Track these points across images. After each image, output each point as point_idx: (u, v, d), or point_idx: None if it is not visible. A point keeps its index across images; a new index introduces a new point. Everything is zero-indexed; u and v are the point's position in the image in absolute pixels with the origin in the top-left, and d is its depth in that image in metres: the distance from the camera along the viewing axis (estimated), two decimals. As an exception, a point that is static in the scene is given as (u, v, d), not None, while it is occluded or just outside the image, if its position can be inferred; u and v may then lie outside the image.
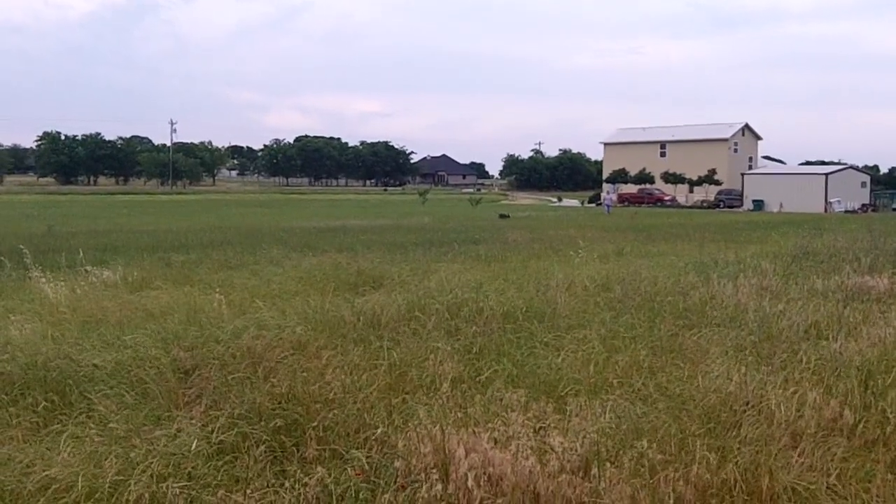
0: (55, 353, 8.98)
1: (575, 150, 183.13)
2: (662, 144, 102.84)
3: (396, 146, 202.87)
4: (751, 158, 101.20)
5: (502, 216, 31.95)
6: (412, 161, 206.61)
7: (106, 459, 5.46)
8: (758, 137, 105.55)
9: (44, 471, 5.28)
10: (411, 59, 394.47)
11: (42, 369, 8.26)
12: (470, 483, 5.50)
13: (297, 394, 7.31)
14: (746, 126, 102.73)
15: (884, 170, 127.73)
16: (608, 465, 5.85)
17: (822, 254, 20.94)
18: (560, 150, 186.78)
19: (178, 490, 5.02)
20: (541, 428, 6.57)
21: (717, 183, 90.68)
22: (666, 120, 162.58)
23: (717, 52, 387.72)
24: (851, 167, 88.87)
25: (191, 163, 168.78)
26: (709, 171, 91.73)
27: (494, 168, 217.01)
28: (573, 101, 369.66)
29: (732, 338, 9.87)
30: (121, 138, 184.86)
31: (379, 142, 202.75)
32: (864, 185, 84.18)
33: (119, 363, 8.55)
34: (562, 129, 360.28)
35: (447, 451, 5.98)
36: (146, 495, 4.91)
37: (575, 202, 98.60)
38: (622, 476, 5.64)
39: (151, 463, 5.37)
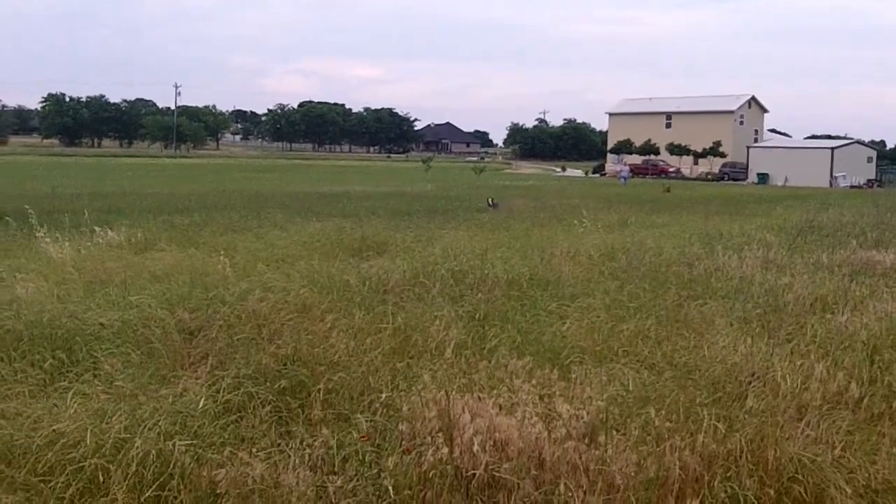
0: (61, 311, 8.98)
1: (580, 120, 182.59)
2: (668, 115, 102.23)
3: (400, 113, 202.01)
4: (756, 131, 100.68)
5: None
6: (416, 128, 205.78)
7: (113, 416, 5.46)
8: (764, 110, 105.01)
9: (52, 426, 5.28)
10: (415, 26, 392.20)
11: (48, 327, 8.26)
12: (475, 448, 5.50)
13: (302, 356, 7.32)
14: (753, 99, 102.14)
15: (890, 145, 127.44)
16: (614, 432, 5.85)
17: (828, 228, 20.90)
18: (565, 119, 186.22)
19: (184, 448, 5.02)
20: (546, 395, 6.56)
21: (722, 155, 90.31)
22: (671, 91, 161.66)
23: (723, 22, 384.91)
24: (858, 142, 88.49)
25: (195, 127, 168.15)
26: (714, 143, 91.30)
27: (499, 137, 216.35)
28: (578, 71, 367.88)
29: (738, 309, 9.86)
30: (125, 101, 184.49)
31: (383, 108, 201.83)
32: (870, 160, 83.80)
33: (125, 323, 8.55)
34: (567, 99, 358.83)
35: (452, 416, 5.98)
36: (153, 452, 4.92)
37: (579, 172, 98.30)
38: (629, 443, 5.64)
39: (158, 420, 5.37)
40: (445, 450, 5.43)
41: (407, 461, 5.22)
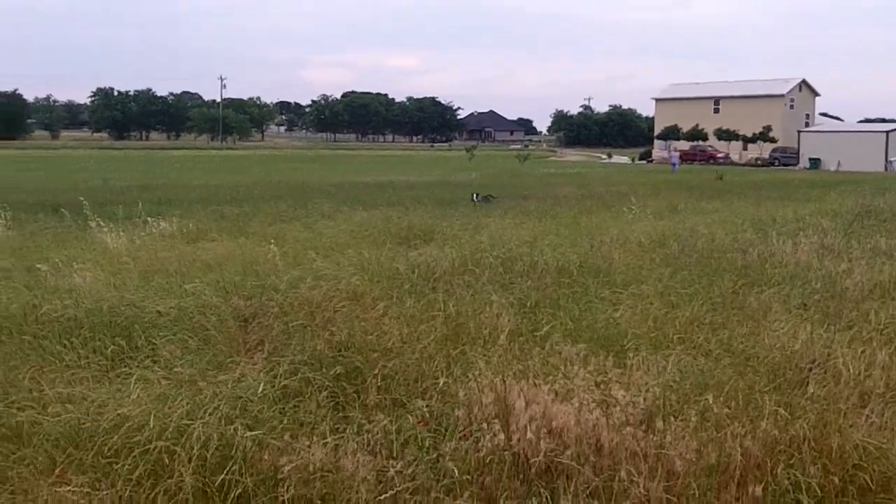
0: (119, 299, 9.14)
1: (625, 106, 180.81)
2: (716, 100, 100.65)
3: (443, 102, 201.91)
4: (807, 115, 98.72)
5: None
6: (459, 117, 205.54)
7: (174, 401, 5.54)
8: (815, 94, 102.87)
9: (116, 410, 5.38)
10: (458, 14, 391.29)
11: (108, 315, 8.41)
12: (531, 434, 5.49)
13: (355, 342, 7.36)
14: (803, 82, 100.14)
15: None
16: (672, 418, 5.79)
17: (885, 213, 20.47)
18: (610, 106, 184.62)
19: (245, 432, 5.07)
20: (602, 381, 6.52)
21: (772, 140, 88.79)
22: (719, 76, 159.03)
23: (772, 5, 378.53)
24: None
25: (240, 119, 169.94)
26: (763, 127, 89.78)
27: (542, 124, 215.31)
28: (624, 57, 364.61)
29: (795, 296, 9.71)
30: (172, 94, 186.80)
31: (426, 98, 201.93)
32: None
33: (181, 310, 8.67)
34: (612, 85, 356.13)
35: (507, 403, 5.97)
36: (214, 436, 4.98)
37: (625, 159, 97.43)
38: (687, 430, 5.59)
39: (219, 405, 5.43)
40: (503, 436, 5.43)
41: (465, 447, 5.22)
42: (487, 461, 5.17)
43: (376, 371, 6.48)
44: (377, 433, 5.32)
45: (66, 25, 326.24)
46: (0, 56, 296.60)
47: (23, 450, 5.26)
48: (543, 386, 6.26)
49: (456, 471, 4.83)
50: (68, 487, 4.70)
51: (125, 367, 6.87)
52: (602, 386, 6.42)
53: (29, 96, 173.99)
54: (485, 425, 5.52)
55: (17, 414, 5.68)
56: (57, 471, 4.95)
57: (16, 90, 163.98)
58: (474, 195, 26.45)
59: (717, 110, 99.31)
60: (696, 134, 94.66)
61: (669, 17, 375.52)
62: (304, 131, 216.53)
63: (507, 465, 5.21)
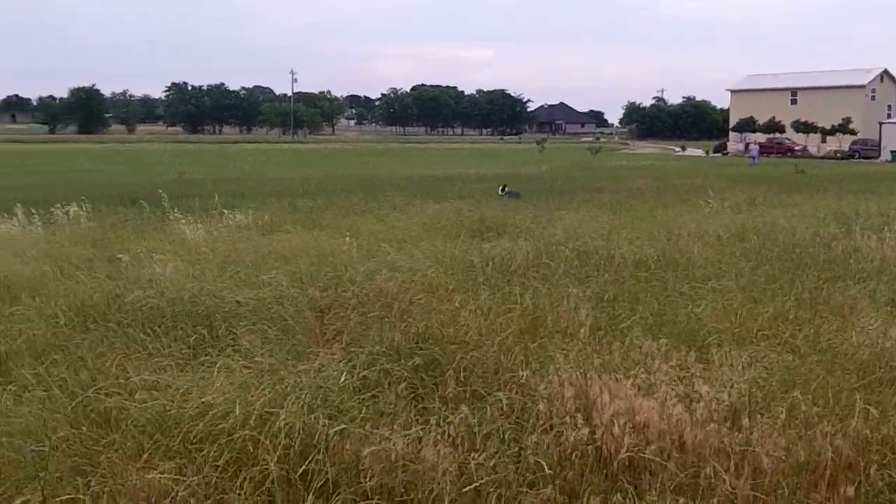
0: (198, 289, 9.29)
1: (699, 98, 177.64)
2: (793, 91, 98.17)
3: (513, 94, 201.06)
4: (889, 107, 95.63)
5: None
6: (529, 110, 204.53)
7: (257, 390, 5.60)
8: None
9: (200, 398, 5.45)
10: (528, 6, 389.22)
11: (189, 304, 8.56)
12: (616, 429, 5.41)
13: (432, 334, 7.35)
14: (885, 72, 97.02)
15: None
16: (759, 415, 5.66)
17: (974, 207, 19.72)
18: (683, 97, 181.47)
19: (326, 421, 5.10)
20: (685, 377, 6.40)
21: (852, 132, 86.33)
22: (794, 67, 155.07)
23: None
24: None
25: (311, 112, 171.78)
26: (843, 119, 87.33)
27: (614, 116, 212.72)
28: (697, 48, 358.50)
29: (882, 292, 9.40)
30: (244, 88, 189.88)
31: (495, 90, 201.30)
32: None
33: (259, 300, 8.79)
34: (685, 77, 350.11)
35: (589, 397, 5.90)
36: (297, 424, 5.01)
37: (699, 152, 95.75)
38: (775, 427, 5.45)
39: (300, 395, 5.47)
40: (585, 430, 5.36)
41: (547, 441, 5.17)
42: (570, 455, 5.11)
43: (455, 363, 6.46)
44: (458, 425, 5.29)
45: (142, 21, 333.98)
46: (79, 53, 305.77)
47: (111, 435, 5.37)
48: (625, 380, 6.17)
49: (544, 465, 4.76)
50: (156, 473, 4.77)
51: (206, 355, 6.97)
52: (685, 381, 6.31)
53: (106, 91, 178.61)
54: (567, 419, 5.46)
55: (106, 400, 5.81)
56: (145, 456, 5.04)
57: (93, 85, 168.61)
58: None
59: (794, 102, 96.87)
60: (773, 126, 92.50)
61: (746, 5, 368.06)
62: (373, 125, 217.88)
63: (591, 460, 5.14)
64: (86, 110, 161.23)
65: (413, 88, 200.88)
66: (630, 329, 7.67)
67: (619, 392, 5.94)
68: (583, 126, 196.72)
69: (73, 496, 4.67)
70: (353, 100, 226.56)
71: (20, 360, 7.24)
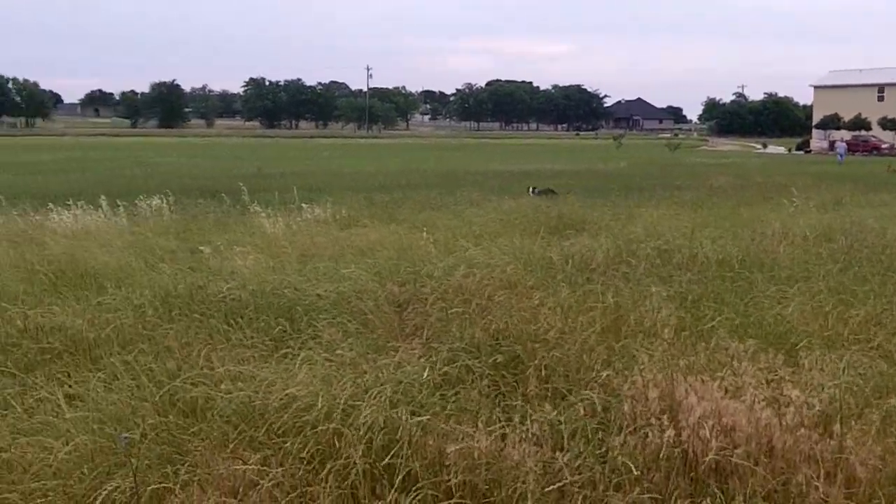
0: (279, 282, 9.39)
1: (781, 94, 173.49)
2: (881, 88, 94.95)
3: (589, 90, 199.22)
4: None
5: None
6: (605, 105, 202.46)
7: (339, 383, 5.63)
8: None
9: (284, 390, 5.50)
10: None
11: (271, 296, 8.67)
12: (703, 432, 5.28)
13: (512, 332, 7.30)
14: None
15: None
16: (852, 422, 5.46)
17: None
18: (765, 93, 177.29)
19: (409, 416, 5.09)
20: (773, 380, 6.23)
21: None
22: (882, 62, 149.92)
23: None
24: None
25: (386, 108, 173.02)
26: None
27: (692, 112, 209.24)
28: (779, 42, 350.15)
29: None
30: (320, 84, 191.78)
31: (571, 85, 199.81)
32: None
33: (339, 294, 8.85)
34: (767, 72, 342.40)
35: (675, 398, 5.77)
36: (380, 419, 5.01)
37: (781, 149, 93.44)
38: (869, 435, 5.25)
39: (381, 389, 5.47)
40: (671, 432, 5.24)
41: (633, 442, 5.07)
42: (656, 457, 5.00)
43: (536, 361, 6.39)
44: (543, 423, 5.23)
45: (220, 17, 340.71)
46: (160, 48, 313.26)
47: (198, 424, 5.45)
48: (711, 382, 6.02)
49: (632, 466, 4.67)
50: (242, 464, 4.82)
51: (288, 347, 7.04)
52: (773, 384, 6.14)
53: (186, 86, 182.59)
54: (653, 420, 5.35)
55: (192, 389, 5.90)
56: (231, 446, 5.10)
57: (174, 80, 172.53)
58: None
59: (881, 98, 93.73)
60: (859, 123, 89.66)
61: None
62: (447, 120, 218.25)
63: (677, 463, 5.03)
64: (166, 105, 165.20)
65: (488, 84, 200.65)
66: (715, 330, 7.50)
67: (705, 394, 5.80)
68: (660, 122, 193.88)
69: (162, 484, 4.75)
70: (428, 95, 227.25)
71: (109, 348, 7.41)
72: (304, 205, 17.55)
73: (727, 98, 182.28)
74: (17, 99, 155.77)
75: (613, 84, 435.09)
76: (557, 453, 4.90)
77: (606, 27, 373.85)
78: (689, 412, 5.52)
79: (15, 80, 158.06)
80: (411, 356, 6.63)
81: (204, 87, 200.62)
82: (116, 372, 6.56)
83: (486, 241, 13.08)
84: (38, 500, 4.74)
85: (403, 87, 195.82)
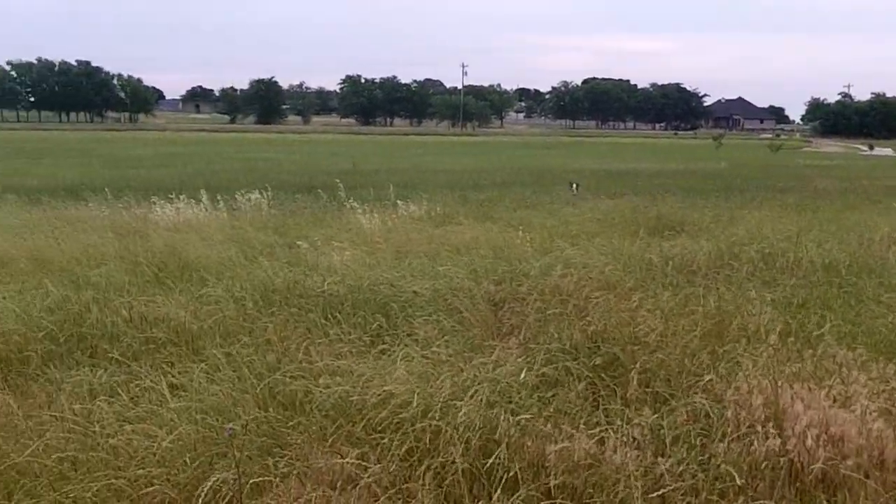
0: (375, 278, 9.46)
1: (889, 94, 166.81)
2: None
3: (688, 88, 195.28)
4: None
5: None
6: (705, 104, 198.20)
7: (436, 380, 5.62)
8: None
9: (382, 386, 5.52)
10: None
11: (367, 292, 8.73)
12: (809, 441, 5.10)
13: (611, 334, 7.18)
14: None
15: None
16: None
17: None
18: (872, 93, 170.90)
19: (508, 416, 5.04)
20: (885, 390, 5.98)
21: None
22: None
23: None
24: None
25: (480, 105, 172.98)
26: None
27: (795, 112, 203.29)
28: (889, 40, 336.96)
29: None
30: (415, 81, 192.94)
31: (669, 84, 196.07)
32: None
33: (435, 291, 8.85)
34: (874, 71, 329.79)
35: (780, 405, 5.59)
36: (477, 419, 4.99)
37: (889, 151, 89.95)
38: None
39: (479, 388, 5.44)
40: (777, 440, 5.08)
41: (737, 449, 4.93)
42: (761, 466, 4.85)
43: (637, 364, 6.27)
44: (643, 427, 5.12)
45: (319, 16, 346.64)
46: (259, 46, 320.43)
47: (297, 418, 5.52)
48: (818, 391, 5.81)
49: (736, 474, 4.53)
50: (340, 459, 4.86)
51: (384, 343, 7.08)
52: (885, 395, 5.90)
53: (284, 83, 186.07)
54: (758, 427, 5.19)
55: (291, 383, 5.98)
56: (329, 440, 5.14)
57: (272, 78, 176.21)
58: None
59: None
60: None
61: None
62: (542, 118, 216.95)
63: (783, 472, 4.86)
64: (264, 101, 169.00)
65: (584, 81, 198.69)
66: (822, 337, 7.23)
67: (812, 402, 5.62)
68: (762, 122, 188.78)
69: (263, 476, 4.81)
70: (523, 93, 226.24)
71: (211, 339, 7.58)
72: (399, 201, 17.66)
73: (832, 98, 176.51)
74: (122, 95, 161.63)
75: (713, 82, 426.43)
76: (659, 458, 4.80)
77: (707, 25, 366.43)
78: (795, 420, 5.35)
79: (119, 76, 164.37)
80: (508, 356, 6.59)
81: (301, 85, 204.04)
82: (218, 363, 6.69)
83: (584, 241, 12.92)
84: (144, 487, 4.84)
85: (498, 85, 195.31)
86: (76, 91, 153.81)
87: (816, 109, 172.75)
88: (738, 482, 4.59)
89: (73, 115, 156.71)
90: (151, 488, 4.83)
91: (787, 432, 5.24)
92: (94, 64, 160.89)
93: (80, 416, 5.76)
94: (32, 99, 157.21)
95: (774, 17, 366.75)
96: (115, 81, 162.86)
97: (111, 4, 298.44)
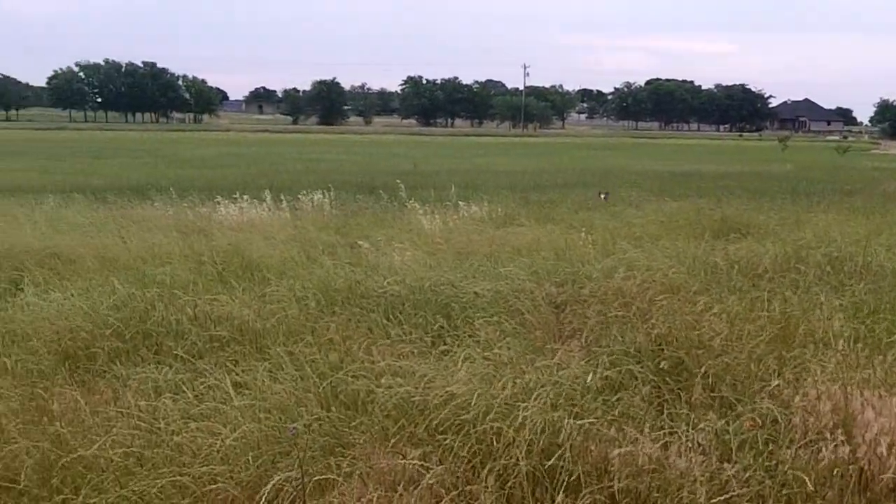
0: (436, 279, 9.47)
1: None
2: None
3: (754, 89, 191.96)
4: None
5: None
6: (770, 105, 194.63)
7: (498, 382, 5.61)
8: None
9: (444, 387, 5.53)
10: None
11: (428, 293, 8.75)
12: (881, 449, 4.98)
13: (676, 337, 7.09)
14: None
15: None
16: None
17: None
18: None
19: (572, 420, 5.01)
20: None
21: None
22: None
23: None
24: None
25: (541, 106, 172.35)
26: None
27: (863, 114, 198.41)
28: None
29: None
30: (476, 82, 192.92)
31: (734, 85, 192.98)
32: None
33: (497, 293, 8.83)
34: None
35: (850, 412, 5.47)
36: (540, 422, 4.96)
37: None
38: None
39: (541, 391, 5.41)
40: (846, 448, 4.97)
41: (805, 456, 4.83)
42: (830, 473, 4.75)
43: (703, 368, 6.18)
44: (709, 432, 5.05)
45: (380, 17, 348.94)
46: (322, 46, 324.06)
47: (359, 417, 5.55)
48: (890, 398, 5.67)
49: (806, 481, 4.44)
50: (403, 459, 4.88)
51: (445, 344, 7.09)
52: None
53: (346, 84, 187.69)
54: (826, 434, 5.08)
55: (354, 382, 6.02)
56: (391, 441, 5.17)
57: (334, 79, 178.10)
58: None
59: None
60: None
61: None
62: (604, 119, 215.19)
63: (852, 480, 4.75)
64: (326, 102, 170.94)
65: (648, 82, 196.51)
66: (893, 343, 7.05)
67: (883, 409, 5.49)
68: (829, 124, 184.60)
69: (325, 476, 4.85)
70: (585, 94, 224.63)
71: (274, 338, 7.66)
72: (460, 202, 17.67)
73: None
74: (186, 96, 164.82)
75: (779, 84, 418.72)
76: (724, 464, 4.73)
77: (772, 25, 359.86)
78: (865, 428, 5.23)
79: (185, 77, 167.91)
80: (570, 359, 6.55)
81: (363, 86, 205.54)
82: (281, 362, 6.75)
83: (647, 243, 12.78)
84: (208, 485, 4.91)
85: (560, 86, 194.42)
86: (142, 92, 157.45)
87: (885, 111, 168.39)
88: (810, 488, 4.50)
89: (138, 115, 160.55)
90: (215, 486, 4.89)
91: (857, 440, 5.13)
92: (159, 65, 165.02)
93: (146, 412, 5.86)
94: (99, 100, 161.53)
95: (842, 16, 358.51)
96: (180, 82, 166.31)
97: (177, 5, 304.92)
